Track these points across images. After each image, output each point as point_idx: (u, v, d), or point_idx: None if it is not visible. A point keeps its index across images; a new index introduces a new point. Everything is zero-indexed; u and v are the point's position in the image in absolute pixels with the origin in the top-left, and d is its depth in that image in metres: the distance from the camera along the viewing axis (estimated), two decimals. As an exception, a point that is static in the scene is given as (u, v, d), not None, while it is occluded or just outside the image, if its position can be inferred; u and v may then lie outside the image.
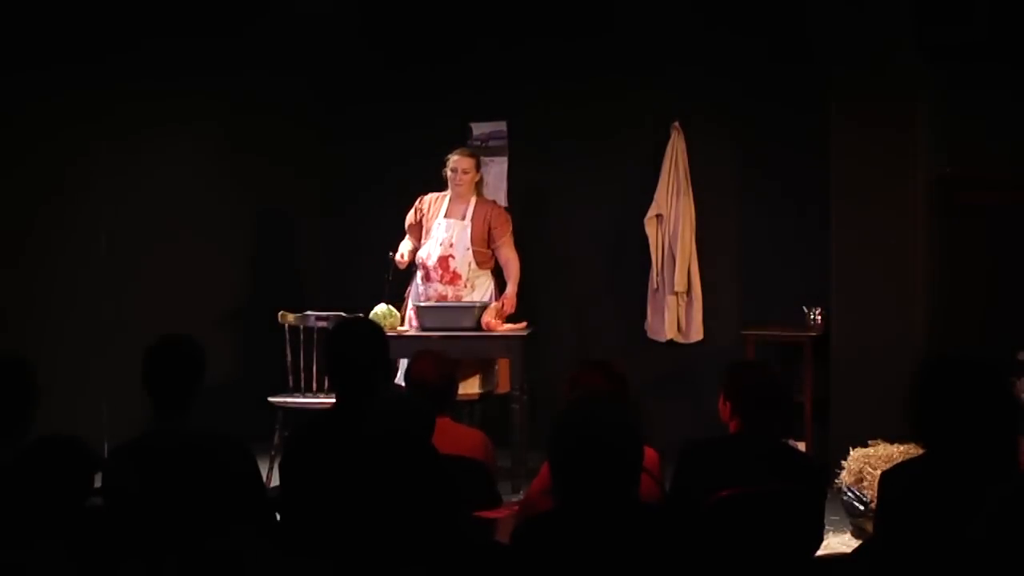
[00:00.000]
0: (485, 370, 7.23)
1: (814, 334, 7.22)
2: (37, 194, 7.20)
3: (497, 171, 8.29)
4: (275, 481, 5.16)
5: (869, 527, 5.62)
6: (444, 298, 7.20)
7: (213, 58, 8.05)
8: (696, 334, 7.77)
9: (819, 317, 7.29)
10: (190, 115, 8.08)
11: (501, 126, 8.33)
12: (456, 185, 7.27)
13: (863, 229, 6.92)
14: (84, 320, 7.43)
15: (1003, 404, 3.16)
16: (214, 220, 8.25)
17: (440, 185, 7.37)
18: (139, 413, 4.37)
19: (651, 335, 7.82)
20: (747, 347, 7.27)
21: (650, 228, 7.72)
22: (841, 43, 6.86)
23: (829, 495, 5.04)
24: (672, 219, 7.68)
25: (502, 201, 8.16)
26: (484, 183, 7.63)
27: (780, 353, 7.48)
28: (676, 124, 7.72)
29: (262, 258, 8.58)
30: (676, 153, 7.71)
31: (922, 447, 3.29)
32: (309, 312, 7.43)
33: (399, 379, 6.30)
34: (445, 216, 7.28)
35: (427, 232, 7.29)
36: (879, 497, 3.31)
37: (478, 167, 7.37)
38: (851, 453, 6.14)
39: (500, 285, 7.35)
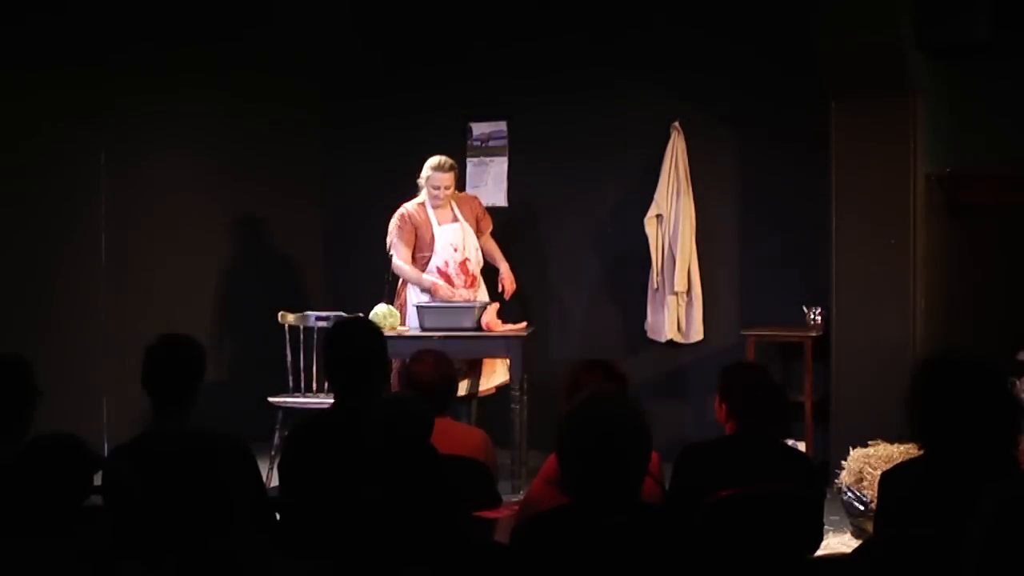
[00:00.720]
0: (470, 373, 7.23)
1: (814, 334, 7.22)
2: (37, 193, 7.21)
3: (497, 170, 8.29)
4: (275, 481, 5.15)
5: (869, 527, 5.61)
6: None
7: (214, 56, 8.06)
8: (696, 334, 7.76)
9: (819, 317, 7.29)
10: (191, 113, 8.09)
11: (501, 126, 8.32)
12: (436, 198, 7.20)
13: (863, 229, 6.92)
14: (85, 319, 7.43)
15: (1003, 404, 3.16)
16: (215, 220, 8.26)
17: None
18: (139, 413, 4.38)
19: (651, 335, 7.81)
20: (747, 347, 7.27)
21: (650, 228, 7.71)
22: (841, 43, 6.85)
23: (829, 495, 5.05)
24: (672, 219, 7.67)
25: (502, 200, 8.17)
26: (484, 181, 7.62)
27: (780, 353, 7.48)
28: (676, 124, 7.71)
29: (262, 258, 8.58)
30: (676, 153, 7.71)
31: (922, 447, 3.29)
32: (309, 312, 7.43)
33: (392, 380, 6.29)
34: (439, 224, 7.25)
35: (427, 244, 7.24)
36: (879, 497, 3.31)
37: (456, 176, 7.33)
38: (851, 453, 6.14)
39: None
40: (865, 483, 5.85)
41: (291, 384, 7.30)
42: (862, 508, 5.82)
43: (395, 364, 6.43)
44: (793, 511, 3.91)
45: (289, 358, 7.31)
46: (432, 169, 7.18)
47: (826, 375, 7.10)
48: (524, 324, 7.12)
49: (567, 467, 3.00)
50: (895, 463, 3.59)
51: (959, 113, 7.10)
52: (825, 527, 4.12)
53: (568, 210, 8.15)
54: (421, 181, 7.23)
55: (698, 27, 7.75)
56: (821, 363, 7.14)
